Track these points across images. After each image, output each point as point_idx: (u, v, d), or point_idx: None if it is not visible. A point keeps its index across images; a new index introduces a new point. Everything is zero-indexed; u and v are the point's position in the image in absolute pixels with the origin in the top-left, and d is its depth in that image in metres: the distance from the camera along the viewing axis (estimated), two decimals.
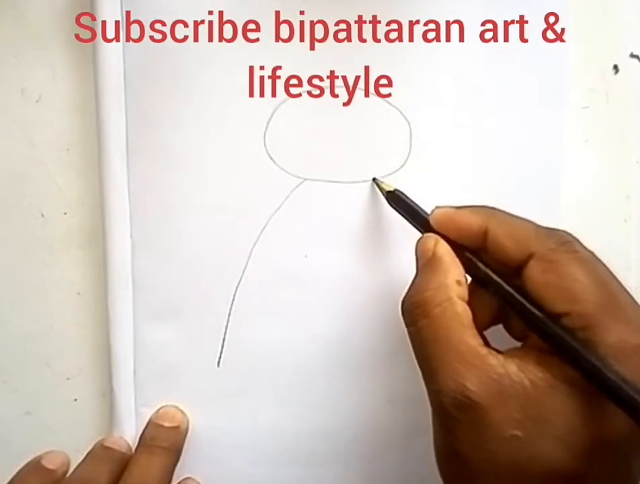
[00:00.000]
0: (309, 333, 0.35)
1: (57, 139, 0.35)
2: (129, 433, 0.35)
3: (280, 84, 0.34)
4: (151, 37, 0.33)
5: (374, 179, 0.34)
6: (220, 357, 0.35)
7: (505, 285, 0.28)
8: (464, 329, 0.27)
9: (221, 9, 0.33)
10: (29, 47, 0.34)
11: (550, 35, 0.35)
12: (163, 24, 0.33)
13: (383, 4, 0.34)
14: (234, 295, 0.35)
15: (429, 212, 0.31)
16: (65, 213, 0.35)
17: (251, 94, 0.34)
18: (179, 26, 0.33)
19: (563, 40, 0.35)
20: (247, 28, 0.34)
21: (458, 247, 0.29)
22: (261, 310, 0.35)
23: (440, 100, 0.35)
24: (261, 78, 0.34)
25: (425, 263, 0.29)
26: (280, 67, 0.34)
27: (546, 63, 0.35)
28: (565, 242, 0.28)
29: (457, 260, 0.29)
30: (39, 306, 0.35)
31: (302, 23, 0.34)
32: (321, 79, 0.34)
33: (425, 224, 0.31)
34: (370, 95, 0.34)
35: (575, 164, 0.36)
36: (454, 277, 0.28)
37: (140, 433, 0.35)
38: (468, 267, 0.29)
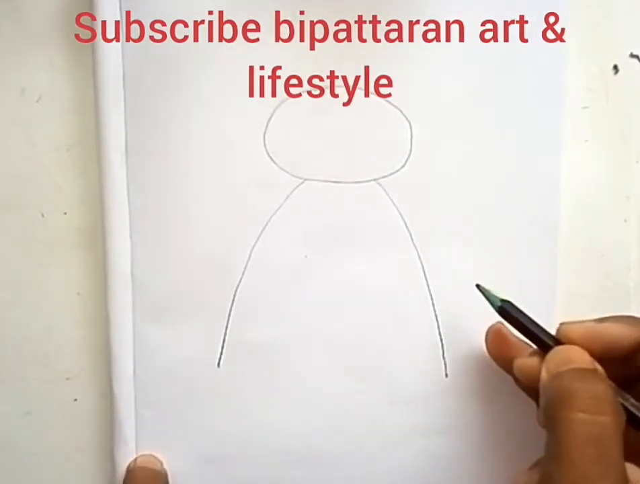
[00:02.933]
0: (309, 333, 0.35)
1: (57, 139, 0.35)
2: (129, 434, 0.35)
3: (280, 84, 0.34)
4: (151, 37, 0.33)
5: (477, 286, 0.31)
6: (220, 357, 0.35)
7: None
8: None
9: (221, 9, 0.33)
10: (29, 47, 0.34)
11: (550, 35, 0.35)
12: (163, 24, 0.33)
13: (383, 4, 0.34)
14: (234, 295, 0.35)
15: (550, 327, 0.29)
16: (65, 213, 0.35)
17: (251, 94, 0.34)
18: (179, 26, 0.33)
19: (562, 40, 0.35)
20: (247, 28, 0.34)
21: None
22: (261, 310, 0.35)
23: (441, 100, 0.35)
24: (261, 78, 0.34)
25: (585, 373, 0.26)
26: (279, 67, 0.34)
27: (546, 63, 0.35)
28: None
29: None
30: (39, 306, 0.35)
31: (302, 23, 0.34)
32: (321, 79, 0.34)
33: (544, 340, 0.28)
34: (370, 95, 0.34)
35: (575, 164, 0.36)
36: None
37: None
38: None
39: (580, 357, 0.27)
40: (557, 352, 0.28)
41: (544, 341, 0.29)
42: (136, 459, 0.34)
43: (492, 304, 0.31)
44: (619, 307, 0.37)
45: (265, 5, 0.33)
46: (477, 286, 0.32)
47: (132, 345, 0.34)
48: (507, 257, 0.36)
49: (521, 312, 0.30)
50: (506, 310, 0.31)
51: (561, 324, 0.29)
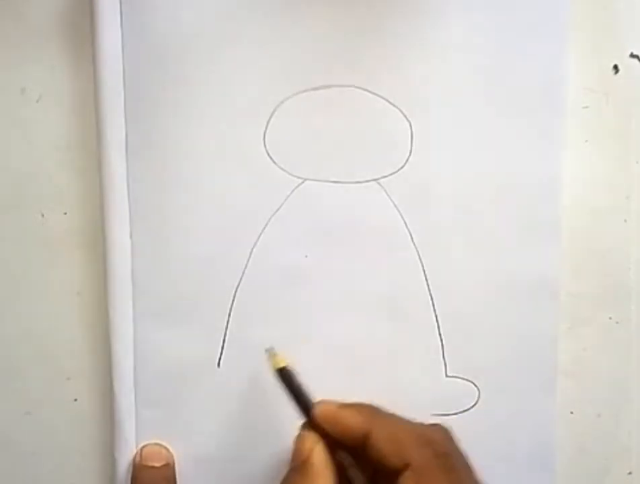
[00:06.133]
0: (309, 332, 0.35)
1: (57, 139, 0.35)
2: (129, 434, 0.35)
3: (280, 83, 0.34)
4: (151, 38, 0.33)
5: (267, 351, 0.32)
6: (220, 357, 0.35)
7: None
8: None
9: (221, 9, 0.33)
10: (29, 47, 0.34)
11: (550, 35, 0.35)
12: (163, 24, 0.33)
13: (384, 4, 0.34)
14: (234, 295, 0.35)
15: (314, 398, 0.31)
16: (65, 213, 0.35)
17: (251, 94, 0.34)
18: (179, 26, 0.33)
19: (562, 40, 0.35)
20: (247, 28, 0.34)
21: (335, 445, 0.29)
22: (261, 310, 0.35)
23: (441, 100, 0.35)
24: (261, 78, 0.34)
25: (297, 466, 0.29)
26: (280, 66, 0.34)
27: (546, 63, 0.35)
28: (441, 454, 0.28)
29: (329, 468, 0.29)
30: (39, 306, 0.35)
31: (302, 23, 0.34)
32: (321, 78, 0.34)
33: (308, 411, 0.30)
34: (370, 94, 0.34)
35: (575, 164, 0.36)
36: None
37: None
38: (340, 469, 0.29)
39: (302, 448, 0.29)
40: (297, 440, 0.30)
41: (306, 414, 0.31)
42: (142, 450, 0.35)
43: (272, 366, 0.32)
44: (619, 307, 0.37)
45: (265, 4, 0.33)
46: (266, 350, 0.32)
47: (132, 345, 0.34)
48: (507, 257, 0.36)
49: (297, 380, 0.31)
50: (286, 373, 0.32)
51: (318, 401, 0.30)
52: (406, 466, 0.28)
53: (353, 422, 0.29)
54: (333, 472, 0.29)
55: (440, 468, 0.28)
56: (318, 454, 0.29)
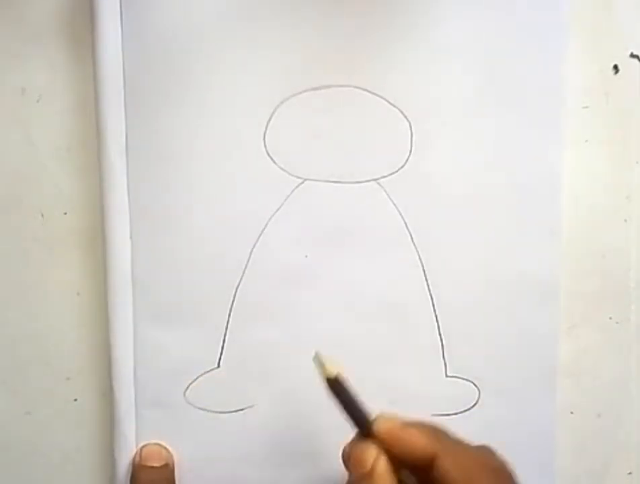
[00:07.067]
0: (309, 332, 0.35)
1: (57, 139, 0.35)
2: (129, 434, 0.35)
3: (280, 83, 0.34)
4: (151, 38, 0.33)
5: (316, 356, 0.30)
6: (220, 357, 0.35)
7: None
8: None
9: (221, 10, 0.33)
10: (29, 47, 0.34)
11: (550, 35, 0.35)
12: (163, 24, 0.33)
13: (384, 4, 0.34)
14: (234, 295, 0.35)
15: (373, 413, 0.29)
16: (65, 213, 0.35)
17: (251, 94, 0.34)
18: (180, 26, 0.33)
19: (562, 40, 0.35)
20: (247, 28, 0.34)
21: (397, 462, 0.28)
22: (261, 310, 0.35)
23: (441, 100, 0.35)
24: (261, 78, 0.34)
25: (361, 476, 0.28)
26: (280, 67, 0.34)
27: (546, 63, 0.35)
28: (505, 479, 0.28)
29: (394, 479, 0.28)
30: (39, 306, 0.35)
31: (302, 23, 0.34)
32: (321, 79, 0.34)
33: (364, 424, 0.29)
34: (370, 94, 0.34)
35: (575, 164, 0.36)
36: None
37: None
38: None
39: (365, 459, 0.28)
40: (357, 450, 0.29)
41: (359, 425, 0.29)
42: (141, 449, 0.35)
43: (322, 374, 0.30)
44: (619, 307, 0.37)
45: (265, 5, 0.33)
46: (314, 357, 0.30)
47: (132, 345, 0.34)
48: (507, 257, 0.36)
49: (351, 390, 0.30)
50: (335, 384, 0.29)
51: (379, 415, 0.29)
52: None
53: (419, 442, 0.28)
54: None
55: None
56: (384, 465, 0.28)
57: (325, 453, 0.36)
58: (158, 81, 0.33)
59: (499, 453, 0.30)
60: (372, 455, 0.28)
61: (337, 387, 0.29)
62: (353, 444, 0.29)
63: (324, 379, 0.29)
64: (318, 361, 0.29)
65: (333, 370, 0.29)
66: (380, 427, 0.29)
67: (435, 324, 0.36)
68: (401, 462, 0.28)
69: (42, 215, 0.35)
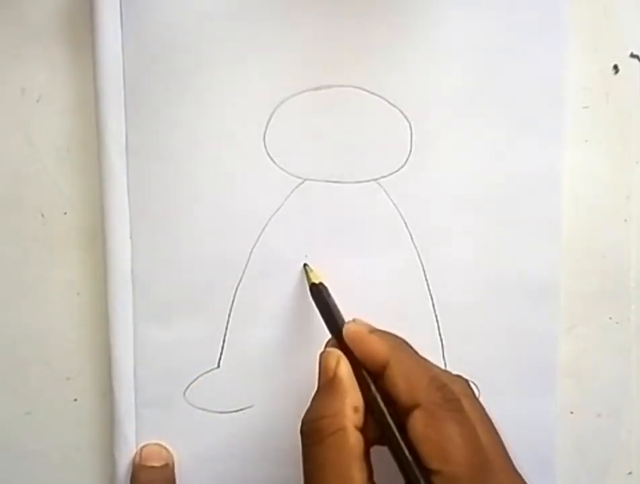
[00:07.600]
0: (309, 333, 0.35)
1: (57, 139, 0.35)
2: (129, 433, 0.35)
3: (280, 84, 0.34)
4: (151, 38, 0.33)
5: (304, 265, 0.34)
6: (220, 357, 0.35)
7: (388, 417, 0.28)
8: (352, 461, 0.27)
9: (221, 10, 0.33)
10: (29, 47, 0.34)
11: (550, 35, 0.35)
12: (163, 24, 0.33)
13: (385, 4, 0.34)
14: (234, 295, 0.35)
15: (347, 318, 0.31)
16: (65, 213, 0.35)
17: (251, 94, 0.34)
18: (179, 26, 0.33)
19: (562, 40, 0.35)
20: (247, 28, 0.34)
21: (359, 366, 0.29)
22: (261, 310, 0.35)
23: (441, 100, 0.35)
24: (261, 78, 0.34)
25: (326, 383, 0.29)
26: (280, 67, 0.34)
27: (546, 63, 0.35)
28: (452, 399, 0.28)
29: (356, 383, 0.29)
30: (39, 306, 0.35)
31: (302, 22, 0.34)
32: (321, 79, 0.34)
33: (336, 330, 0.30)
34: (369, 94, 0.34)
35: (575, 164, 0.36)
36: (351, 402, 0.28)
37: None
38: (362, 387, 0.29)
39: (329, 366, 0.29)
40: (323, 358, 0.30)
41: (333, 331, 0.31)
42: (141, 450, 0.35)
43: (307, 281, 0.33)
44: (619, 307, 0.37)
45: (265, 5, 0.33)
46: (304, 265, 0.34)
47: (132, 345, 0.34)
48: (507, 257, 0.36)
49: (330, 297, 0.32)
50: (318, 290, 0.32)
51: (349, 321, 0.31)
52: (416, 406, 0.27)
53: (378, 348, 0.29)
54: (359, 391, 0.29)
55: (449, 411, 0.27)
56: (345, 367, 0.29)
57: None
58: (158, 81, 0.33)
59: (471, 386, 0.30)
60: (335, 360, 0.29)
61: (318, 294, 0.32)
62: (322, 352, 0.30)
63: (308, 285, 0.33)
64: (307, 269, 0.34)
65: (317, 279, 0.33)
66: (347, 332, 0.30)
67: (435, 324, 0.36)
68: (363, 367, 0.29)
69: (42, 215, 0.35)
